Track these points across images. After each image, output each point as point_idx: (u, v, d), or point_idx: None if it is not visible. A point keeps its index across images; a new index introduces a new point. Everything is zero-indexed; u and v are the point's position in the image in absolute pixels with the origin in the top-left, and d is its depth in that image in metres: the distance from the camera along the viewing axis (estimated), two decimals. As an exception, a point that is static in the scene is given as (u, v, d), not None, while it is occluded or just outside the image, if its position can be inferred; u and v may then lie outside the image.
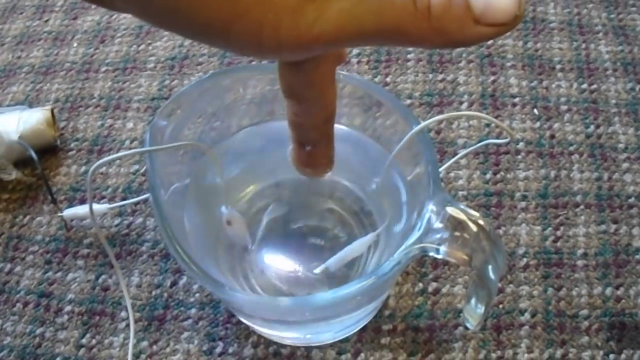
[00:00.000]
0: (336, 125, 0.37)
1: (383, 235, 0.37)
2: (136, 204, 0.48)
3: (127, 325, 0.43)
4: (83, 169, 0.51)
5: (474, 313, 0.35)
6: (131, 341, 0.41)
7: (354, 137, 0.38)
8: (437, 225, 0.30)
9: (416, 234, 0.29)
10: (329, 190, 0.41)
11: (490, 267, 0.30)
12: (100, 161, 0.31)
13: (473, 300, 0.35)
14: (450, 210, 0.30)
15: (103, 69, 0.58)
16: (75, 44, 0.60)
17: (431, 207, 0.30)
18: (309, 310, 0.31)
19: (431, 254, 0.30)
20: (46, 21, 0.63)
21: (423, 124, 0.32)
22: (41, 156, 0.50)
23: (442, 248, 0.29)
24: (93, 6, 0.63)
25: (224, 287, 0.29)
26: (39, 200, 0.50)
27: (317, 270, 0.38)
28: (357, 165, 0.40)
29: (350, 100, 0.37)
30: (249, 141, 0.40)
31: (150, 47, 0.59)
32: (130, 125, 0.53)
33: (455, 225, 0.29)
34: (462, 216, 0.30)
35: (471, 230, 0.29)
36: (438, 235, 0.29)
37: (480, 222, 0.30)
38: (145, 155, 0.33)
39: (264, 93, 0.38)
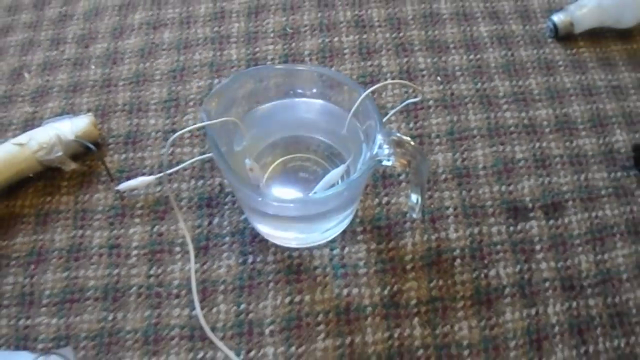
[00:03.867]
0: (312, 100, 0.57)
1: (352, 166, 0.56)
2: (170, 174, 0.67)
3: (182, 256, 0.61)
4: (123, 156, 0.69)
5: (414, 204, 0.56)
6: (192, 264, 0.60)
7: (323, 106, 0.58)
8: (386, 146, 0.49)
9: (374, 151, 0.49)
10: (310, 143, 0.60)
11: (421, 167, 0.51)
12: (179, 133, 0.50)
13: (413, 195, 0.55)
14: (394, 137, 0.50)
15: (121, 83, 0.75)
16: (92, 66, 0.77)
17: (380, 137, 0.50)
18: (308, 206, 0.51)
19: (384, 162, 0.49)
20: (62, 51, 0.79)
21: (367, 91, 0.52)
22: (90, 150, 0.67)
23: (391, 158, 0.49)
24: (101, 36, 0.80)
25: (255, 185, 0.48)
26: (94, 182, 0.67)
27: (310, 195, 0.57)
28: (327, 125, 0.60)
29: (317, 82, 0.56)
30: (268, 112, 0.57)
31: (154, 64, 0.76)
32: (152, 122, 0.71)
33: (398, 144, 0.49)
34: (401, 139, 0.50)
35: (408, 146, 0.49)
36: (387, 152, 0.49)
37: (412, 142, 0.50)
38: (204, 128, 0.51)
39: (280, 82, 0.56)
